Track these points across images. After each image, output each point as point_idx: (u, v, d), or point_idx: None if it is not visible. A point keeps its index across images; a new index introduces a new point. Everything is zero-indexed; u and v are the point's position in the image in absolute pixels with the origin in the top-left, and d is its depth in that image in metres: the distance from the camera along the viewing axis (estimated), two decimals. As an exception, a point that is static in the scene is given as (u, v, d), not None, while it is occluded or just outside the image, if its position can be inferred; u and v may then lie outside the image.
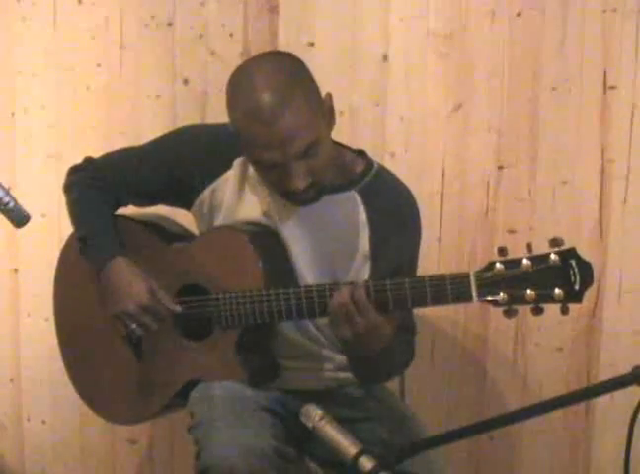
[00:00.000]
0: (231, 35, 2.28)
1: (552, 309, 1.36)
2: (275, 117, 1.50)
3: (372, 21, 2.17)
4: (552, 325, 2.13)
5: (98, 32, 2.37)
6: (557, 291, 1.35)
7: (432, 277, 1.46)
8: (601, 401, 2.10)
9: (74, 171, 1.90)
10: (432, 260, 2.16)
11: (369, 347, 1.52)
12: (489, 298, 1.39)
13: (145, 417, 1.88)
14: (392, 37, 2.17)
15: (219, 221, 1.75)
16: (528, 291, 1.36)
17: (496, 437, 2.22)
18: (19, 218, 1.48)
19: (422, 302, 1.48)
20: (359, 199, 1.70)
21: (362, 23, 2.18)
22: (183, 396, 1.75)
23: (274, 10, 2.24)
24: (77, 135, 2.42)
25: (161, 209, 1.92)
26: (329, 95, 1.62)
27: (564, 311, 1.35)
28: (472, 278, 1.40)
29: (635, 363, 1.18)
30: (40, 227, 2.38)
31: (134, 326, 1.72)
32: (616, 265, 2.09)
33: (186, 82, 2.32)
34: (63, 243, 1.94)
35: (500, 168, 2.14)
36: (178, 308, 1.72)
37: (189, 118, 2.28)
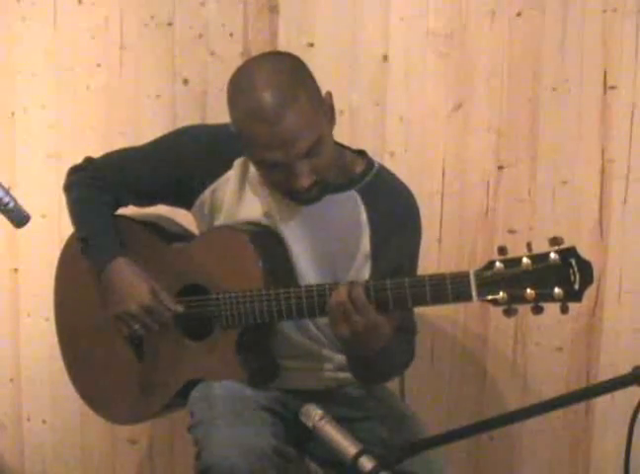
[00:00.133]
0: (231, 35, 2.28)
1: (552, 308, 1.36)
2: (278, 116, 1.50)
3: (372, 21, 2.18)
4: (552, 325, 2.13)
5: (98, 32, 2.37)
6: (557, 290, 1.35)
7: (432, 277, 1.46)
8: (601, 401, 2.10)
9: (74, 171, 1.90)
10: (432, 260, 2.16)
11: (368, 346, 1.52)
12: (489, 297, 1.39)
13: (145, 417, 1.88)
14: (392, 36, 2.17)
15: (220, 221, 1.75)
16: (528, 290, 1.36)
17: (496, 437, 2.22)
18: (19, 218, 1.48)
19: (422, 301, 1.47)
20: (359, 199, 1.70)
21: (362, 23, 2.18)
22: (183, 396, 1.75)
23: (274, 10, 2.24)
24: (77, 135, 2.42)
25: (161, 209, 1.92)
26: (329, 93, 1.62)
27: (564, 310, 1.35)
28: (472, 278, 1.40)
29: (635, 363, 1.18)
30: (40, 227, 2.38)
31: (136, 326, 1.72)
32: (616, 265, 2.09)
33: (186, 82, 2.32)
34: (63, 243, 1.94)
35: (500, 168, 2.14)
36: (180, 308, 1.72)
37: (189, 118, 2.28)
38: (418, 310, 1.76)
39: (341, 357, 1.74)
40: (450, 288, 1.43)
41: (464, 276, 1.41)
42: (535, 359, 2.17)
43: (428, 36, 2.15)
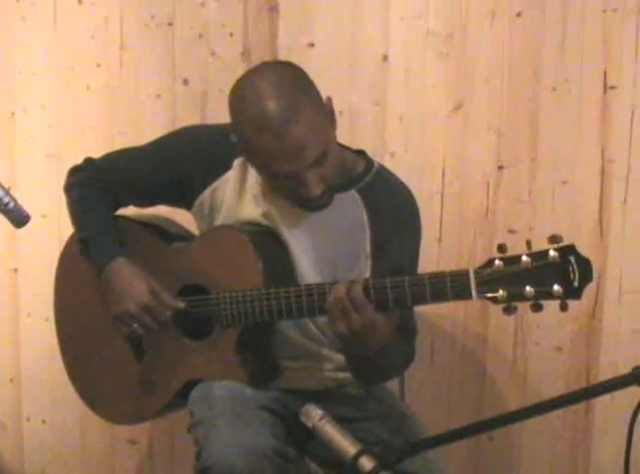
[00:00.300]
0: (231, 35, 2.28)
1: (552, 308, 1.36)
2: (286, 128, 1.49)
3: (372, 21, 2.18)
4: (552, 324, 2.13)
5: (98, 32, 2.38)
6: (556, 288, 1.35)
7: (431, 275, 1.46)
8: (601, 401, 2.09)
9: (74, 172, 1.90)
10: (431, 260, 2.16)
11: (367, 345, 1.52)
12: (488, 295, 1.39)
13: (145, 417, 1.88)
14: (392, 37, 2.17)
15: (219, 221, 1.75)
16: (528, 288, 1.36)
17: (496, 437, 2.22)
18: (19, 218, 1.48)
19: (422, 300, 1.47)
20: (359, 199, 1.70)
21: (362, 23, 2.18)
22: (183, 396, 1.75)
23: (274, 10, 2.24)
24: (77, 135, 2.42)
25: (161, 209, 1.92)
26: (329, 99, 1.61)
27: (563, 308, 1.35)
28: (471, 276, 1.40)
29: (635, 363, 1.18)
30: (40, 227, 2.38)
31: (135, 326, 1.72)
32: (616, 265, 2.09)
33: (186, 82, 2.33)
34: (63, 243, 1.94)
35: (500, 168, 2.14)
36: (181, 304, 1.72)
37: (188, 118, 2.28)
38: (417, 309, 1.76)
39: (341, 357, 1.74)
40: (450, 286, 1.43)
41: (464, 274, 1.41)
42: (535, 359, 2.17)
43: (428, 36, 2.15)
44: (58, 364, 1.97)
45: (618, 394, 1.20)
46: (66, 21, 2.40)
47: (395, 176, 1.79)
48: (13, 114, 2.47)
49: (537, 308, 1.37)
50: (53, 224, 2.41)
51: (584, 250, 1.37)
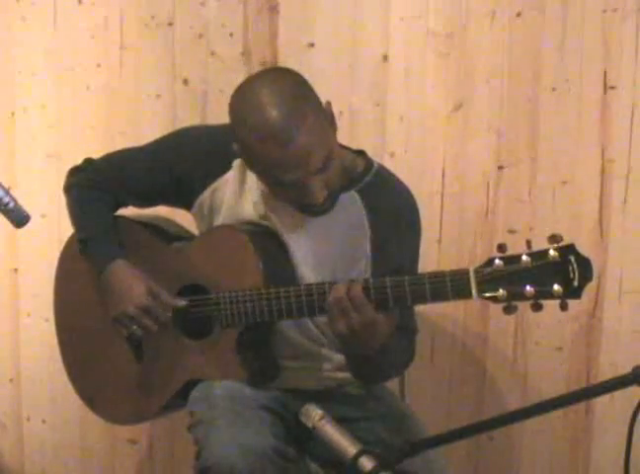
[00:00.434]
0: (231, 35, 2.28)
1: (552, 308, 1.37)
2: (290, 137, 1.49)
3: (372, 21, 2.18)
4: (552, 324, 2.13)
5: (98, 32, 2.38)
6: (556, 287, 1.35)
7: (431, 274, 1.47)
8: (601, 401, 2.09)
9: (74, 172, 1.90)
10: (431, 260, 2.16)
11: (367, 344, 1.52)
12: (488, 295, 1.39)
13: (145, 417, 1.88)
14: (392, 37, 2.17)
15: (219, 222, 1.75)
16: (528, 287, 1.36)
17: (496, 437, 2.22)
18: (19, 218, 1.48)
19: (422, 299, 1.48)
20: (358, 200, 1.70)
21: (362, 23, 2.18)
22: (183, 396, 1.75)
23: (274, 10, 2.24)
24: (77, 135, 2.42)
25: (161, 210, 1.92)
26: (329, 103, 1.60)
27: (563, 307, 1.35)
28: (472, 275, 1.40)
29: (635, 363, 1.18)
30: (39, 227, 2.38)
31: (134, 327, 1.72)
32: (616, 265, 2.09)
33: (186, 82, 2.32)
34: (63, 243, 1.94)
35: (500, 168, 2.14)
36: (181, 302, 1.72)
37: (188, 118, 2.29)
38: (417, 309, 1.76)
39: (340, 357, 1.74)
40: (450, 286, 1.43)
41: (464, 273, 1.41)
42: (535, 359, 2.17)
43: (428, 36, 2.15)
44: (58, 364, 1.96)
45: (618, 394, 1.20)
46: (66, 21, 2.40)
47: (395, 176, 1.79)
48: (13, 114, 2.47)
49: (537, 308, 1.37)
50: (53, 224, 2.41)
51: (584, 250, 1.37)
